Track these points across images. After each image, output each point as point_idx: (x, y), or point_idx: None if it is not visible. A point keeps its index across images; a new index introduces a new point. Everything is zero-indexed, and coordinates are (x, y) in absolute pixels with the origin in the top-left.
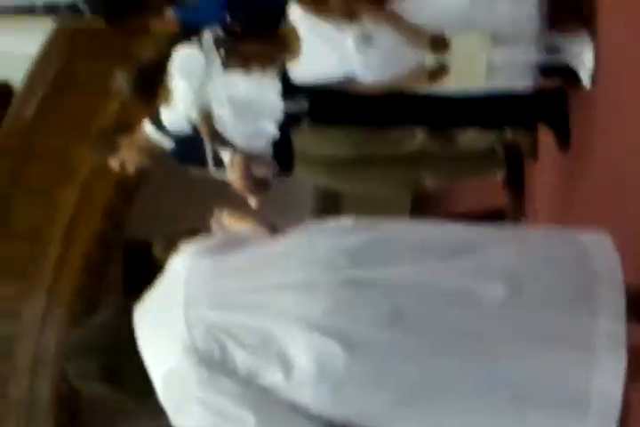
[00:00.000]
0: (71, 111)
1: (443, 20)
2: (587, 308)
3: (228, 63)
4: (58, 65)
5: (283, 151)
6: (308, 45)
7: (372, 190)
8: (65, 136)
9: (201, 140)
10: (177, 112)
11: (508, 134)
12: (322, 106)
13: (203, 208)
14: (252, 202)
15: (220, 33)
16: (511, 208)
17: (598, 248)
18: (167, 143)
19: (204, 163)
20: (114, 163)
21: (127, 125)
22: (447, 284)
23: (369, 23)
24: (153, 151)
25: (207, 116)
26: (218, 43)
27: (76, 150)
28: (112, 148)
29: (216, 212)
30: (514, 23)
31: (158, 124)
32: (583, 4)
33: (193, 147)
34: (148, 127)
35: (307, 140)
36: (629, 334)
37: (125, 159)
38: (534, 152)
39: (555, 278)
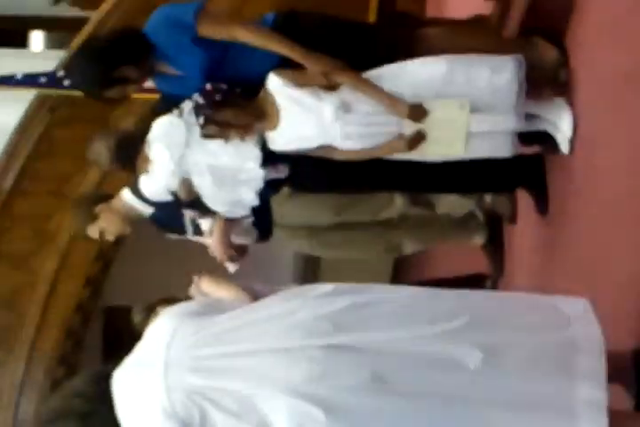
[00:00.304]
0: (50, 179)
1: (421, 89)
2: (567, 375)
3: (206, 131)
4: (37, 133)
5: (262, 218)
6: (286, 114)
7: (352, 256)
8: (44, 203)
9: (180, 207)
10: (157, 181)
11: (487, 199)
12: (301, 173)
13: (182, 273)
14: (230, 268)
15: (200, 100)
16: (491, 271)
17: (578, 315)
18: (146, 210)
19: (183, 230)
20: (93, 231)
21: (106, 195)
22: (428, 350)
23: (347, 92)
24: (132, 219)
25: (187, 184)
26: (197, 110)
27: (55, 217)
28: (91, 216)
29: (195, 278)
30: (492, 91)
31: (137, 192)
32: (559, 73)
33: (172, 214)
34: (126, 194)
35: (286, 208)
36: (612, 398)
37: (105, 228)
38: (513, 216)
39: (534, 345)
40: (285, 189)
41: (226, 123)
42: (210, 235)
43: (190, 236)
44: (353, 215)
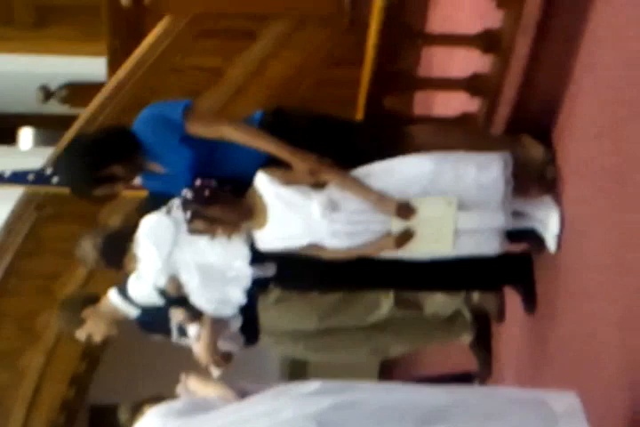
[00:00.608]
0: (38, 276)
1: (408, 186)
2: None
3: (193, 226)
4: (25, 231)
5: (249, 321)
6: (273, 212)
7: (338, 359)
8: (31, 301)
9: (167, 310)
10: (144, 282)
11: (475, 297)
12: (288, 271)
13: (169, 372)
14: (215, 373)
15: (189, 196)
16: (479, 370)
17: (566, 412)
18: (133, 312)
19: (168, 333)
20: (80, 335)
21: (93, 296)
22: None
23: (335, 190)
24: (118, 321)
25: (175, 282)
26: (185, 205)
27: (42, 315)
28: (78, 320)
29: (183, 377)
30: (479, 189)
31: (124, 293)
32: (546, 171)
33: (158, 316)
34: (113, 296)
35: (272, 314)
36: None
37: (92, 331)
38: (501, 314)
39: None
40: (271, 296)
41: (213, 219)
42: (197, 341)
43: (175, 339)
44: (339, 321)
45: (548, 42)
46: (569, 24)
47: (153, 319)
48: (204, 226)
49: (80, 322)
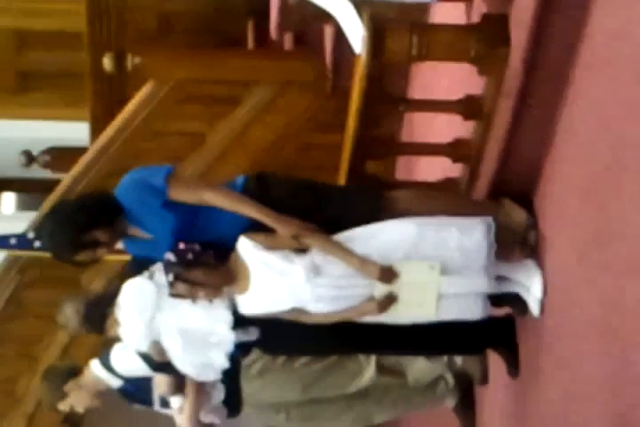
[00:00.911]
0: (19, 341)
1: (391, 251)
2: None
3: (174, 290)
4: (6, 295)
5: (232, 394)
6: (256, 277)
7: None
8: (12, 365)
9: (149, 381)
10: (128, 350)
11: (458, 360)
12: (271, 336)
13: None
14: None
15: (172, 258)
16: None
17: None
18: (116, 383)
19: (150, 402)
20: (63, 406)
21: (75, 368)
22: None
23: (318, 254)
24: (101, 391)
25: (158, 347)
26: (167, 268)
27: (22, 380)
28: (61, 393)
29: None
30: (462, 253)
31: (107, 364)
32: (528, 235)
33: (141, 386)
34: (96, 367)
35: (255, 387)
36: None
37: (74, 403)
38: (484, 378)
39: None
40: (254, 368)
41: (195, 282)
42: (179, 413)
43: (157, 408)
44: (322, 391)
45: (530, 108)
46: (550, 90)
47: (136, 389)
48: (185, 289)
49: (63, 395)
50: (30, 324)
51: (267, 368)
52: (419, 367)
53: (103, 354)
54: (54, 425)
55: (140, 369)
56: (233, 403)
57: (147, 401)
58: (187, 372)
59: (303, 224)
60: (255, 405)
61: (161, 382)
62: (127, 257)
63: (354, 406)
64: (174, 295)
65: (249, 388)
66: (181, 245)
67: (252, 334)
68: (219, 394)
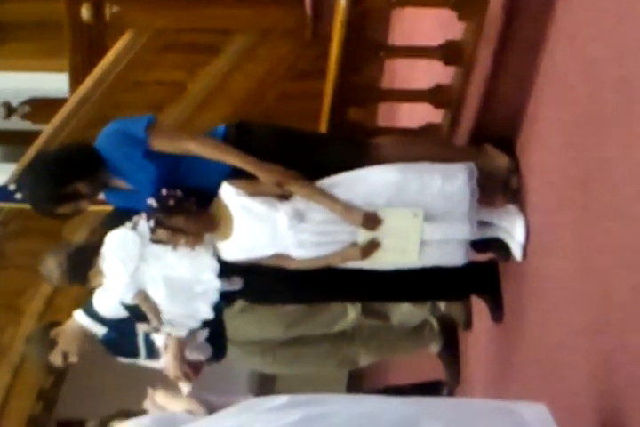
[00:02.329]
0: (2, 293)
1: (374, 197)
2: None
3: (155, 236)
4: None
5: (216, 333)
6: (239, 223)
7: (306, 371)
8: None
9: (134, 324)
10: (110, 296)
11: (442, 306)
12: (254, 285)
13: (137, 386)
14: (184, 388)
15: (154, 204)
16: (448, 378)
17: (536, 418)
18: (100, 330)
19: (135, 353)
20: (56, 357)
21: (56, 322)
22: None
23: (300, 201)
24: (87, 339)
25: (142, 296)
26: (149, 214)
27: (7, 331)
28: (49, 344)
29: (150, 391)
30: (445, 199)
31: (90, 311)
32: (510, 180)
33: (125, 334)
34: (79, 316)
35: (237, 323)
36: None
37: (66, 349)
38: (468, 323)
39: None
40: (237, 305)
41: (177, 229)
42: (164, 350)
43: (142, 359)
44: (305, 329)
45: (510, 52)
46: (530, 34)
47: (119, 338)
48: (167, 236)
49: (51, 344)
50: (13, 275)
51: (249, 306)
52: (403, 311)
53: (86, 305)
54: (39, 376)
55: (121, 310)
56: (217, 346)
57: (132, 352)
58: (170, 322)
59: (286, 171)
60: (238, 343)
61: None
62: (109, 208)
63: (340, 348)
64: (155, 241)
65: (231, 325)
66: (164, 192)
67: (236, 284)
68: (203, 332)
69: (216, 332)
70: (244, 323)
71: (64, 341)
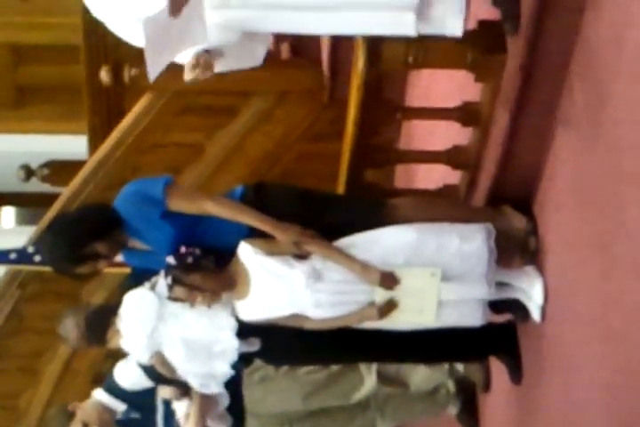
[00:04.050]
0: (21, 355)
1: (391, 257)
2: None
3: (173, 293)
4: (8, 310)
5: (234, 403)
6: (256, 283)
7: None
8: (14, 380)
9: (153, 403)
10: (131, 365)
11: (460, 367)
12: (272, 345)
13: None
14: None
15: (172, 262)
16: None
17: None
18: (119, 407)
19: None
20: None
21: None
22: None
23: (318, 260)
24: (108, 410)
25: (160, 358)
26: (167, 271)
27: (25, 395)
28: (68, 416)
29: None
30: (462, 260)
31: (110, 387)
32: (528, 241)
33: (144, 410)
34: (98, 393)
35: (257, 395)
36: None
37: (86, 420)
38: (487, 384)
39: None
40: (256, 375)
41: (194, 286)
42: (185, 420)
43: None
44: (324, 400)
45: (527, 113)
46: (547, 95)
47: (139, 416)
48: (184, 293)
49: (70, 416)
50: (31, 338)
51: (269, 376)
52: (420, 375)
53: (106, 381)
54: None
55: (143, 381)
56: (235, 413)
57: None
58: (189, 381)
59: (303, 230)
60: (257, 415)
61: (165, 388)
62: (127, 270)
63: (356, 417)
64: (172, 299)
65: (250, 396)
66: (182, 249)
67: (254, 345)
68: (224, 400)
69: (234, 402)
70: (264, 393)
71: (83, 411)
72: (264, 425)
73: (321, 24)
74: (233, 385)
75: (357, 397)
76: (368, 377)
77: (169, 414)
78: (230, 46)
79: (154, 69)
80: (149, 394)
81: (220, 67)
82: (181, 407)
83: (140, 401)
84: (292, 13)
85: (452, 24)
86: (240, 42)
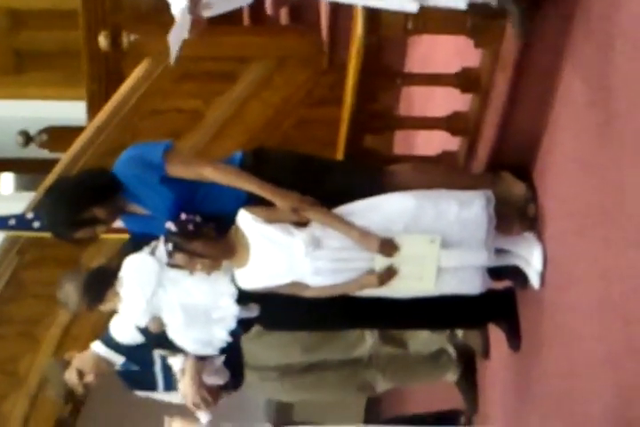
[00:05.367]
0: (20, 321)
1: (391, 224)
2: None
3: (173, 260)
4: (7, 276)
5: (233, 360)
6: (256, 251)
7: (324, 398)
8: (13, 346)
9: (150, 354)
10: (126, 321)
11: (459, 334)
12: (271, 311)
13: (154, 415)
14: (203, 417)
15: (173, 228)
16: (466, 407)
17: None
18: (118, 360)
19: (153, 385)
20: (71, 376)
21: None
22: None
23: (317, 227)
24: (104, 370)
25: (158, 323)
26: (168, 238)
27: (24, 360)
28: (63, 362)
29: (167, 420)
30: (461, 226)
31: (107, 339)
32: (527, 208)
33: (143, 364)
34: (96, 346)
35: (255, 348)
36: None
37: (81, 367)
38: (486, 351)
39: None
40: (254, 329)
41: (195, 254)
42: (181, 374)
43: (160, 391)
44: (324, 354)
45: (527, 79)
46: (547, 61)
47: (137, 366)
48: (184, 260)
49: (66, 364)
50: (31, 304)
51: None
52: (421, 338)
53: (103, 334)
54: (57, 405)
55: (138, 336)
56: (235, 373)
57: (149, 384)
58: (185, 347)
59: (302, 197)
60: (256, 369)
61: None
62: (126, 236)
63: (356, 374)
64: (172, 266)
65: (248, 350)
66: (183, 216)
67: (253, 311)
68: (219, 358)
69: (234, 358)
70: (262, 347)
71: (79, 359)
72: (263, 379)
73: None
74: (232, 349)
75: (358, 352)
76: (369, 334)
77: (167, 366)
78: None
79: (174, 49)
80: (147, 348)
81: (210, 12)
82: (177, 363)
83: (138, 354)
84: None
85: None
86: None
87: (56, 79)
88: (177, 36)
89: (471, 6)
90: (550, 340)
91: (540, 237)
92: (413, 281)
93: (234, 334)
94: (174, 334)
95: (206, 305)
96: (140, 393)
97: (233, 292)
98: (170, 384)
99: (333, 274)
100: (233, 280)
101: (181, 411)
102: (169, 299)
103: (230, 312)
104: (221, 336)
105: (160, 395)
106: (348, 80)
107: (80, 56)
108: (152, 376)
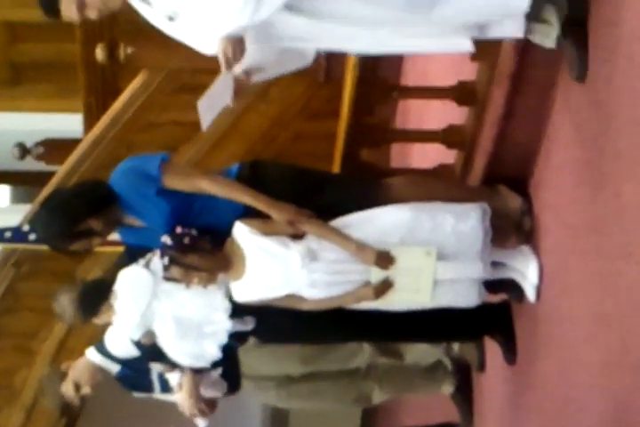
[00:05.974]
0: (15, 334)
1: (387, 236)
2: None
3: (169, 274)
4: (2, 288)
5: (230, 370)
6: (252, 263)
7: (320, 407)
8: (9, 359)
9: (147, 362)
10: (121, 334)
11: (455, 347)
12: (267, 325)
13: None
14: (200, 425)
15: (169, 242)
16: (461, 420)
17: None
18: (113, 368)
19: (150, 388)
20: (67, 387)
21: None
22: None
23: (313, 240)
24: (100, 370)
25: (150, 336)
26: (163, 251)
27: (20, 373)
28: (60, 373)
29: None
30: (458, 239)
31: (103, 349)
32: (523, 221)
33: (139, 370)
34: (92, 354)
35: (252, 358)
36: None
37: (77, 378)
38: (481, 364)
39: None
40: (251, 340)
41: (191, 267)
42: (179, 389)
43: (158, 393)
44: (321, 365)
45: (523, 93)
46: (543, 74)
47: (134, 375)
48: (180, 273)
49: (63, 376)
50: (27, 317)
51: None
52: (418, 350)
53: (99, 343)
54: (52, 419)
55: (133, 351)
56: (232, 381)
57: (146, 387)
58: (178, 360)
59: (298, 210)
60: (253, 378)
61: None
62: (122, 248)
63: (354, 384)
64: (168, 279)
65: (246, 360)
66: (179, 229)
67: (249, 324)
68: (215, 370)
69: (230, 367)
70: (259, 358)
71: (75, 370)
72: (260, 388)
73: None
74: (228, 358)
75: (355, 363)
76: (366, 345)
77: (163, 374)
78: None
79: (206, 119)
80: (142, 359)
81: (261, 76)
82: (174, 378)
83: (134, 363)
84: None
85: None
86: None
87: (52, 92)
88: (215, 101)
89: None
90: (545, 352)
91: (536, 251)
92: (409, 294)
93: (228, 347)
94: (166, 347)
95: (199, 319)
96: (138, 394)
97: (227, 306)
98: (166, 387)
99: (329, 286)
100: (227, 294)
101: (179, 415)
102: (162, 310)
103: (223, 327)
104: (212, 351)
105: (157, 395)
106: (344, 93)
107: (76, 69)
108: (149, 381)
